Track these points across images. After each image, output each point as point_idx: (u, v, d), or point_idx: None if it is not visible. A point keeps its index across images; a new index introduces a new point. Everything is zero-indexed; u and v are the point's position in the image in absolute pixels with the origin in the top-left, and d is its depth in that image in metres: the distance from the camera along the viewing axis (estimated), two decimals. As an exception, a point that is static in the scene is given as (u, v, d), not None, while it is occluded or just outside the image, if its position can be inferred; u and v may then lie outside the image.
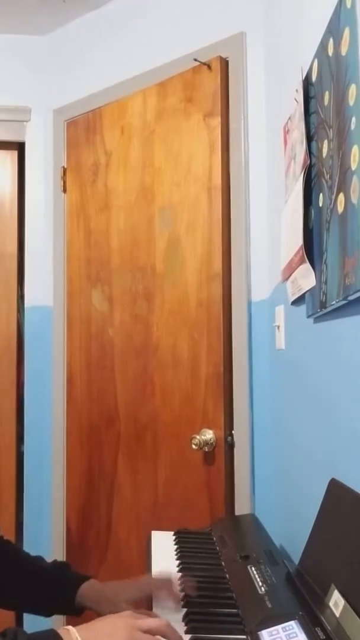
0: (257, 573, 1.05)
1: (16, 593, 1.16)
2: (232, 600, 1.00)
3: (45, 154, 2.53)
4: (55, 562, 1.22)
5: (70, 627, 0.83)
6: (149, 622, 0.85)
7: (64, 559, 2.37)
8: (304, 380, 1.33)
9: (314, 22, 1.16)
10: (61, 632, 0.81)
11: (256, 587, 0.99)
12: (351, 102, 0.89)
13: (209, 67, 1.96)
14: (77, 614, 1.14)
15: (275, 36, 1.71)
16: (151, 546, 1.35)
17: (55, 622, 2.26)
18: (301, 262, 1.17)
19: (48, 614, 1.18)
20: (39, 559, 1.21)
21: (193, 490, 1.95)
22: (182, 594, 1.04)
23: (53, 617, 1.33)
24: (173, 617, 0.93)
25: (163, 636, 0.85)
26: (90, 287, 2.32)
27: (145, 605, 1.06)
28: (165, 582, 1.07)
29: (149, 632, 0.84)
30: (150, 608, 1.04)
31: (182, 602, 1.02)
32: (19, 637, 0.79)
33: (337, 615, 0.78)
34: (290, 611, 0.86)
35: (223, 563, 1.18)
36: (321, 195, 1.08)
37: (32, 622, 1.89)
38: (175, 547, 1.32)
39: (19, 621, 2.36)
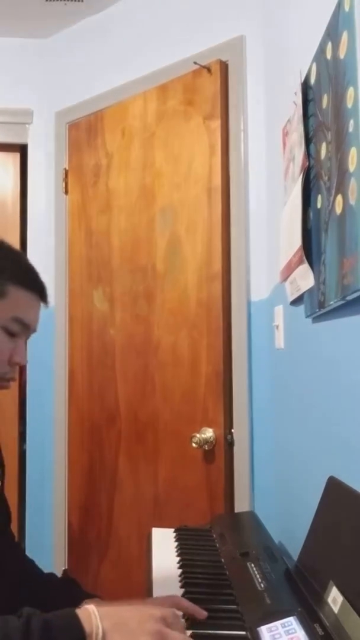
0: (257, 570, 1.06)
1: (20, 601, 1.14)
2: (231, 597, 1.00)
3: (47, 156, 2.54)
4: (64, 578, 1.21)
5: (91, 607, 0.74)
6: (176, 637, 0.77)
7: (66, 556, 2.40)
8: (303, 379, 1.34)
9: (312, 25, 1.17)
10: (81, 613, 0.74)
11: (255, 583, 1.00)
12: (349, 104, 0.90)
13: (209, 70, 1.97)
14: None
15: (274, 39, 1.72)
16: (151, 543, 1.36)
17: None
18: (300, 262, 1.18)
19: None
20: (51, 575, 1.22)
21: (193, 487, 1.96)
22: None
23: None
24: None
25: None
26: (92, 287, 2.33)
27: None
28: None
29: None
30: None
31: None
32: (33, 620, 0.73)
33: (336, 611, 0.78)
34: (289, 607, 0.86)
35: (223, 560, 1.19)
36: (320, 196, 1.09)
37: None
38: (176, 544, 1.33)
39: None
